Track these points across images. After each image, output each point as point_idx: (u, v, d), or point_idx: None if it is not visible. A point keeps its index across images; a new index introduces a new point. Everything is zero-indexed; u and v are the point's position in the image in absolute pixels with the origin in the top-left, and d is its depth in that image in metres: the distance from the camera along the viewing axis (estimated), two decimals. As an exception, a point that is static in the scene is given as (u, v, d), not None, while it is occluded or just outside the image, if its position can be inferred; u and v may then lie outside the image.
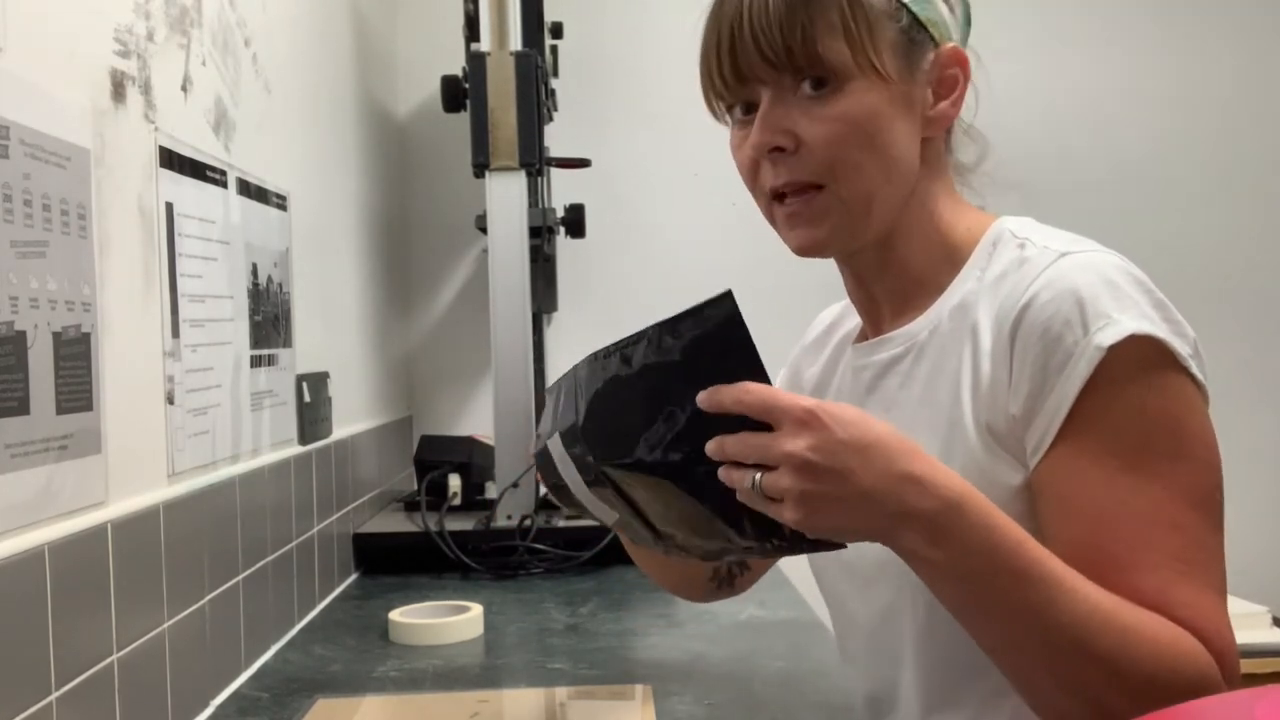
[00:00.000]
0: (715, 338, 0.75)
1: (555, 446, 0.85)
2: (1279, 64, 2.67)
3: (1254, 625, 2.21)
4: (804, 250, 0.91)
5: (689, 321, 0.76)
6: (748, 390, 0.74)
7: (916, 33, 0.89)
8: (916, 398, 0.91)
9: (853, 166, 0.87)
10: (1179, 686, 0.73)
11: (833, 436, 0.72)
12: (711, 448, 0.75)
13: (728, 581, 1.13)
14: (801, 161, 0.88)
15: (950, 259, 0.92)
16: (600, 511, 0.86)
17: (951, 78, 0.90)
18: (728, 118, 0.93)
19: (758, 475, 0.73)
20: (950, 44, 0.90)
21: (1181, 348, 0.80)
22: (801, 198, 0.89)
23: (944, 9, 0.91)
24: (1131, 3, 2.65)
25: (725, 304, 0.75)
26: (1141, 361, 0.79)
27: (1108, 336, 0.78)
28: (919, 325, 0.92)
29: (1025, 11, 2.60)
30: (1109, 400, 0.79)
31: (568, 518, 1.90)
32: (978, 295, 0.88)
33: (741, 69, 0.88)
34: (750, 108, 0.90)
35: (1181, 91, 2.65)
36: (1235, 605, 2.24)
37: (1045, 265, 0.84)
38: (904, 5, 0.88)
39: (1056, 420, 0.80)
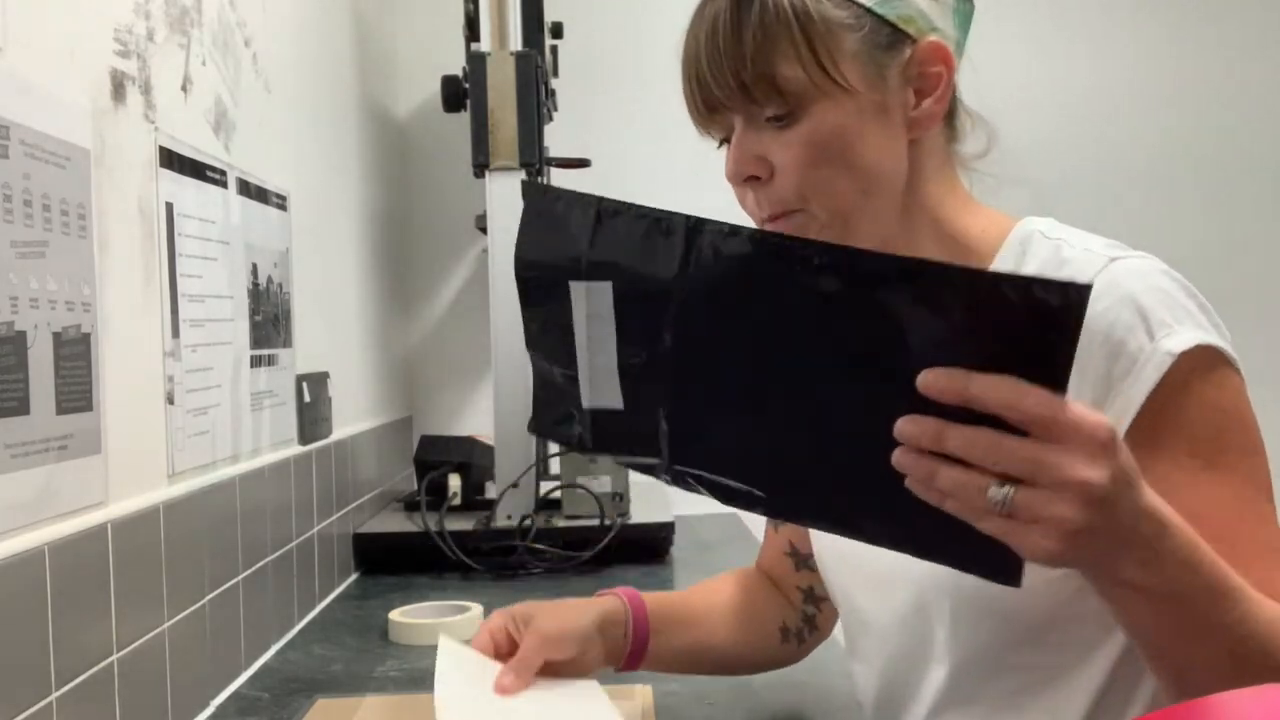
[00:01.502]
0: (1041, 322, 0.59)
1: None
2: None
3: (1254, 625, 2.21)
4: None
5: (1019, 287, 0.59)
6: (1030, 393, 0.60)
7: (885, 36, 0.85)
8: None
9: (825, 187, 0.86)
10: None
11: (1124, 467, 0.63)
12: (928, 432, 0.62)
13: (797, 639, 1.14)
14: (777, 190, 0.87)
15: (964, 260, 0.90)
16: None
17: (934, 75, 0.87)
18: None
19: (1010, 489, 0.61)
20: (930, 39, 0.86)
21: (1231, 351, 0.82)
22: (783, 219, 0.88)
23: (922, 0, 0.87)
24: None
25: (1081, 294, 0.58)
26: (1207, 365, 0.80)
27: (1177, 343, 0.79)
28: None
29: (1033, 7, 2.60)
30: (1179, 403, 0.79)
31: (567, 517, 1.90)
32: None
33: (709, 103, 0.87)
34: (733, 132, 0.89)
35: (1192, 88, 2.64)
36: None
37: (1097, 270, 0.82)
38: (868, 10, 0.85)
39: (1121, 427, 0.79)
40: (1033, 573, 0.66)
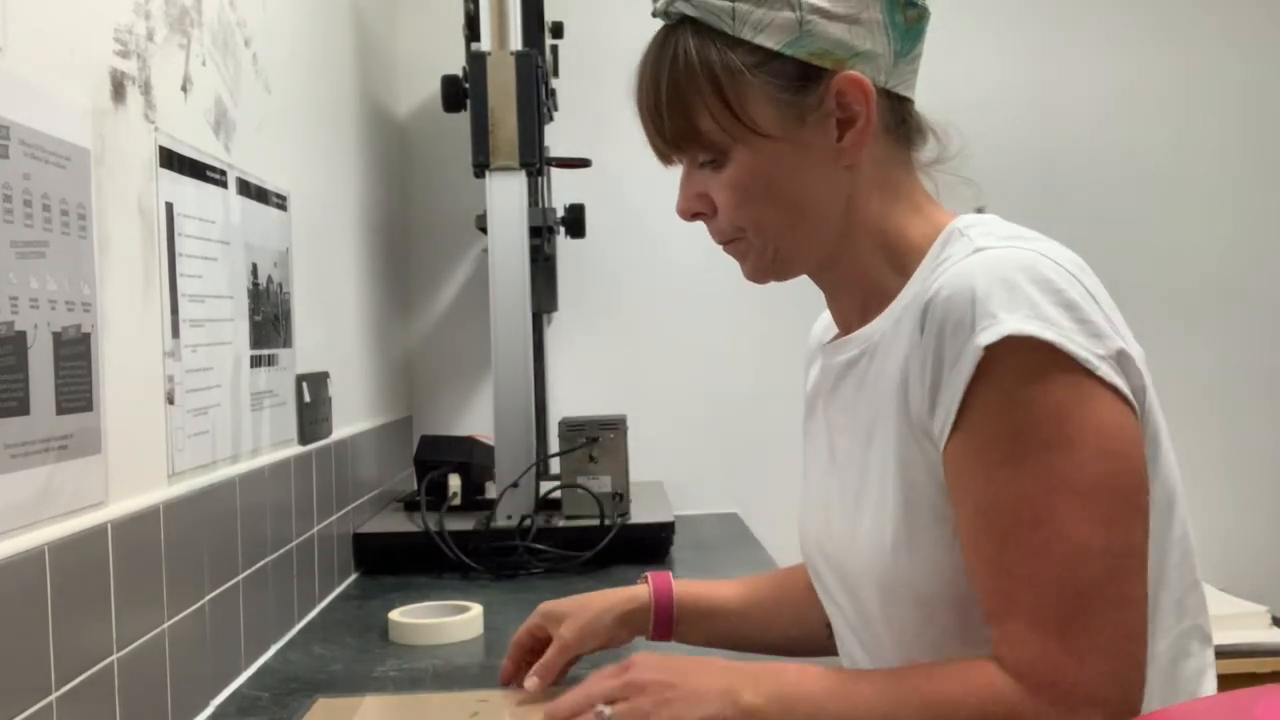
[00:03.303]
0: None
1: None
2: None
3: (1254, 625, 2.21)
4: (749, 279, 0.99)
5: None
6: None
7: (795, 77, 0.88)
8: (866, 398, 0.93)
9: (756, 222, 0.93)
10: None
11: (644, 662, 0.89)
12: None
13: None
14: (719, 223, 0.95)
15: (902, 265, 0.93)
16: None
17: (851, 106, 0.89)
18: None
19: (605, 709, 0.86)
20: (846, 73, 0.88)
21: (1083, 349, 0.78)
22: (730, 245, 0.97)
23: (836, 29, 0.88)
24: (1139, 2, 2.65)
25: None
26: (1022, 360, 0.79)
27: (987, 337, 0.79)
28: (874, 328, 0.94)
29: (1033, 12, 2.60)
30: (990, 396, 0.80)
31: (567, 517, 1.90)
32: (918, 294, 0.89)
33: (656, 150, 0.96)
34: None
35: (1190, 92, 2.64)
36: (1235, 605, 2.25)
37: (957, 261, 0.84)
38: (777, 53, 0.87)
39: (949, 418, 0.81)
40: (922, 549, 0.85)
